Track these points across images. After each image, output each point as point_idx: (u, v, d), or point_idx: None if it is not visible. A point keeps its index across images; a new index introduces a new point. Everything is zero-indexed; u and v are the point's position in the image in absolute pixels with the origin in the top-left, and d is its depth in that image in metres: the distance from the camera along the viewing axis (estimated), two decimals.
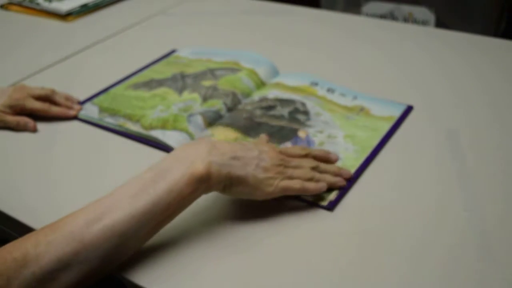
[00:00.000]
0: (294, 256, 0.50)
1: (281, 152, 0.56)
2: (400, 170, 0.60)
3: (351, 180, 0.59)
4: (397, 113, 0.69)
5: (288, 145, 0.65)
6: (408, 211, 0.54)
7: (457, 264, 0.48)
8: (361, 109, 0.70)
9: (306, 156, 0.58)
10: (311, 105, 0.72)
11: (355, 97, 0.73)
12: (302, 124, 0.68)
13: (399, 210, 0.55)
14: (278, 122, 0.69)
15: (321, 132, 0.67)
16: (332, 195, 0.56)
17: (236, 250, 0.51)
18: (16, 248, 0.45)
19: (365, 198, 0.56)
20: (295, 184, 0.54)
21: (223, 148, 0.52)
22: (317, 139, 0.66)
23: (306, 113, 0.71)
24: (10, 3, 1.22)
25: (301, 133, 0.67)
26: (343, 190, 0.57)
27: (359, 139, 0.65)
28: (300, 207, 0.56)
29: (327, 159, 0.60)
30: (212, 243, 0.52)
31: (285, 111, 0.71)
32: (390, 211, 0.54)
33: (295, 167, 0.56)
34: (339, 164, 0.61)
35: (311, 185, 0.55)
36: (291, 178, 0.54)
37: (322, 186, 0.55)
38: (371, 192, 0.57)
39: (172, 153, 0.51)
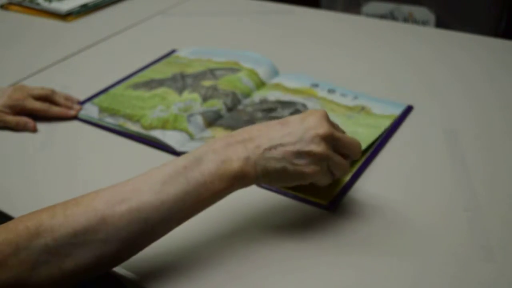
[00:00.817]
0: (293, 256, 0.50)
1: (332, 133, 0.49)
2: (400, 170, 0.60)
3: (351, 180, 0.59)
4: (397, 111, 0.69)
5: None
6: (408, 211, 0.54)
7: (458, 264, 0.48)
8: (362, 108, 0.70)
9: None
10: (312, 106, 0.72)
11: (355, 97, 0.73)
12: None
13: (399, 210, 0.55)
14: None
15: None
16: (332, 195, 0.56)
17: (235, 251, 0.51)
18: (30, 218, 0.42)
19: (365, 198, 0.56)
20: (329, 179, 0.51)
21: (259, 139, 0.48)
22: None
23: None
24: (10, 3, 1.22)
25: None
26: (343, 190, 0.57)
27: (361, 135, 0.64)
28: (299, 207, 0.56)
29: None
30: (211, 243, 0.52)
31: (286, 112, 0.71)
32: (390, 211, 0.54)
33: (340, 152, 0.50)
34: None
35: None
36: (331, 165, 0.50)
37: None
38: (371, 192, 0.57)
39: (210, 141, 0.48)
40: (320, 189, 0.57)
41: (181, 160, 0.46)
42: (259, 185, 0.59)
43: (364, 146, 0.62)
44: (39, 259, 0.41)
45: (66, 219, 0.42)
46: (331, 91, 0.75)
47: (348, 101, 0.72)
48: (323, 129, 0.48)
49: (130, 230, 0.43)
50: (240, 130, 0.49)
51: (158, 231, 0.46)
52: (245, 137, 0.48)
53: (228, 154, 0.47)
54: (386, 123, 0.67)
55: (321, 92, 0.75)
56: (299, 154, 0.48)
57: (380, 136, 0.65)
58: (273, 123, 0.50)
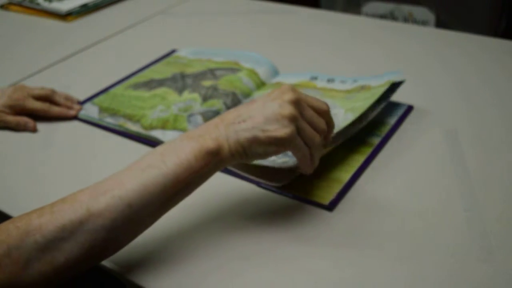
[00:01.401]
0: (293, 256, 0.50)
1: (298, 100, 0.50)
2: (400, 170, 0.60)
3: (351, 180, 0.59)
4: (393, 76, 0.69)
5: None
6: (408, 211, 0.54)
7: (457, 265, 0.48)
8: (362, 87, 0.70)
9: (324, 113, 0.53)
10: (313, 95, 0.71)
11: (355, 81, 0.73)
12: None
13: (399, 210, 0.55)
14: None
15: None
16: (332, 195, 0.57)
17: (235, 250, 0.51)
18: (21, 219, 0.44)
19: (365, 198, 0.56)
20: (305, 151, 0.50)
21: (228, 118, 0.50)
22: None
23: None
24: (10, 3, 1.22)
25: None
26: (343, 190, 0.57)
27: (359, 109, 0.64)
28: (299, 206, 0.56)
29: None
30: (211, 243, 0.52)
31: None
32: (390, 211, 0.54)
33: (309, 122, 0.50)
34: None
35: (310, 166, 0.52)
36: (301, 133, 0.49)
37: (311, 170, 0.53)
38: (371, 192, 0.57)
39: (184, 133, 0.50)
40: (320, 189, 0.57)
41: (158, 148, 0.49)
42: (259, 186, 0.59)
43: (357, 114, 0.62)
44: (30, 258, 0.42)
45: (53, 215, 0.44)
46: (330, 80, 0.75)
47: (347, 86, 0.72)
48: (288, 95, 0.49)
49: (115, 218, 0.44)
50: (213, 119, 0.52)
51: (143, 218, 0.47)
52: (217, 121, 0.50)
53: (202, 135, 0.49)
54: (381, 90, 0.66)
55: (320, 83, 0.75)
56: (268, 120, 0.48)
57: (374, 103, 0.64)
58: (242, 104, 0.51)
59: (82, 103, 0.79)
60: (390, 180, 0.59)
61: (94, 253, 0.45)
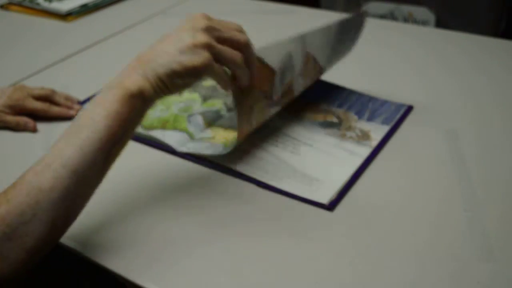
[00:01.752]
0: (293, 256, 0.50)
1: (210, 25, 0.51)
2: (401, 170, 0.60)
3: (351, 180, 0.59)
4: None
5: None
6: (409, 211, 0.54)
7: (457, 265, 0.48)
8: None
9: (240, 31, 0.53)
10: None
11: None
12: None
13: (399, 210, 0.55)
14: None
15: None
16: (332, 195, 0.56)
17: (235, 250, 0.51)
18: None
19: (365, 198, 0.56)
20: (223, 76, 0.51)
21: (144, 57, 0.50)
22: None
23: None
24: (10, 3, 1.22)
25: None
26: (343, 190, 0.57)
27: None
28: (299, 206, 0.56)
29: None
30: (210, 243, 0.52)
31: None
32: (390, 211, 0.54)
33: (227, 39, 0.51)
34: None
35: (229, 87, 0.52)
36: (219, 56, 0.50)
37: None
38: (371, 192, 0.57)
39: (104, 84, 0.50)
40: (320, 189, 0.57)
41: (85, 108, 0.49)
42: (259, 185, 0.59)
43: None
44: (3, 249, 0.44)
45: (9, 204, 0.44)
46: None
47: None
48: (199, 23, 0.50)
49: (66, 187, 0.45)
50: (130, 61, 0.51)
51: (91, 179, 0.48)
52: (134, 63, 0.50)
53: (121, 81, 0.49)
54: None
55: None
56: (181, 51, 0.48)
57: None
58: (156, 41, 0.51)
59: (82, 103, 0.79)
60: (390, 180, 0.59)
61: (58, 226, 0.46)
